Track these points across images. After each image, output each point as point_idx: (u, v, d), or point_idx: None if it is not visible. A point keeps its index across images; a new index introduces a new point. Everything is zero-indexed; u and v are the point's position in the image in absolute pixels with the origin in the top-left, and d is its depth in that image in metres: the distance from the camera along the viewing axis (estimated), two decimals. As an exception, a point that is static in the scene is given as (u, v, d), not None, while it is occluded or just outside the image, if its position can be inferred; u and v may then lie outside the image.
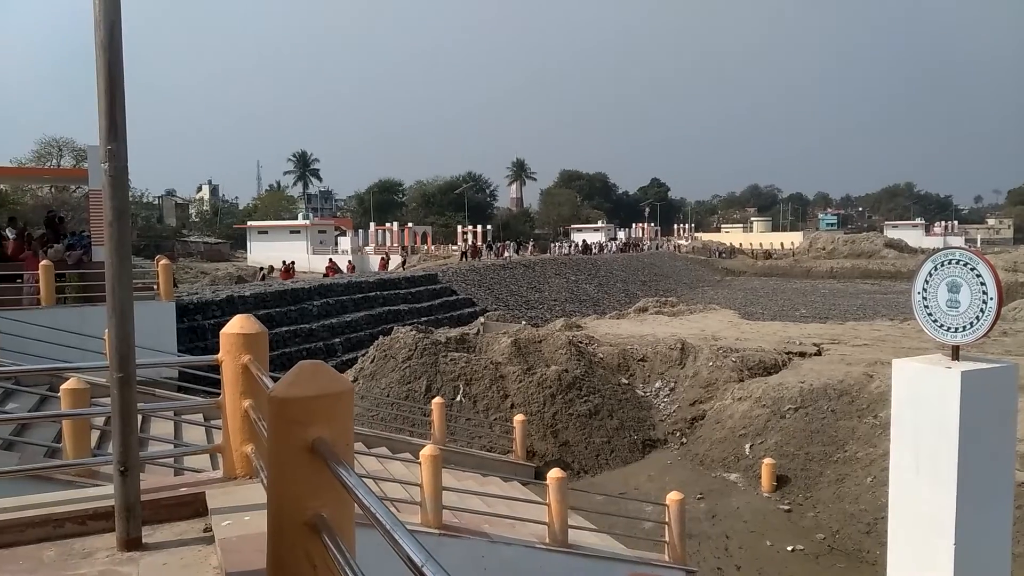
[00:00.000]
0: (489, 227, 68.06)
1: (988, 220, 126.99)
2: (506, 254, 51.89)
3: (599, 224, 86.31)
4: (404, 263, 50.02)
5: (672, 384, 16.99)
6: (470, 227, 63.74)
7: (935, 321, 4.91)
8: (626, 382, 16.89)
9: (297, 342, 22.47)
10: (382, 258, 51.02)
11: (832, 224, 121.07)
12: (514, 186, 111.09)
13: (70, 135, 55.17)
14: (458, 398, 15.14)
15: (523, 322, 24.51)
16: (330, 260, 43.51)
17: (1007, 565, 5.33)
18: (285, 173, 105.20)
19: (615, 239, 74.70)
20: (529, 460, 13.67)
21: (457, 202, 78.45)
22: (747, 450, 13.96)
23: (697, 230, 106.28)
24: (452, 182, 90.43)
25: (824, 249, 72.12)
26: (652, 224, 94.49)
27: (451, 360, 15.68)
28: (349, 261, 48.68)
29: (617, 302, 41.93)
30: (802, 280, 59.59)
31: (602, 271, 52.16)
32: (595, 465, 14.36)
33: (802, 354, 17.57)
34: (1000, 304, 4.48)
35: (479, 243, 55.94)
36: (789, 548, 11.13)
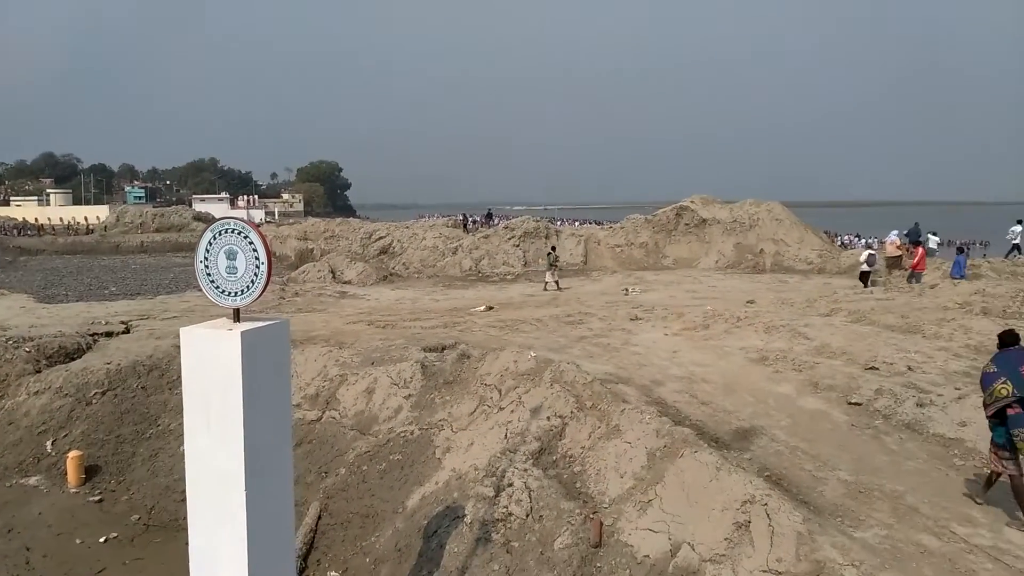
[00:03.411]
0: None
1: (283, 195, 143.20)
2: None
3: None
4: None
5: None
6: None
7: (218, 287, 5.30)
8: None
9: None
10: None
11: (140, 197, 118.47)
12: None
13: None
14: None
15: None
16: None
17: (291, 504, 6.14)
18: None
19: None
20: None
21: None
22: (49, 447, 12.65)
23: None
24: None
25: (133, 223, 69.63)
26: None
27: None
28: None
29: None
30: (112, 256, 56.38)
31: None
32: None
33: (109, 333, 16.74)
34: (270, 268, 5.14)
35: None
36: (102, 539, 10.63)
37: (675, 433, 8.80)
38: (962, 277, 22.26)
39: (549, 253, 27.59)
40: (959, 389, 10.40)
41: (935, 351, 12.93)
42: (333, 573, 9.05)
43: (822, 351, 13.44)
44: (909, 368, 11.89)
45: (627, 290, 24.83)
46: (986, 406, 7.33)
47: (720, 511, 7.23)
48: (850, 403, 10.71)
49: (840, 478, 8.25)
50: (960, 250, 26.01)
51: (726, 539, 6.96)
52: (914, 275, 23.49)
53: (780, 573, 6.31)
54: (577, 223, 68.22)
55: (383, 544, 9.01)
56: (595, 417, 9.85)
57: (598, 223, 55.92)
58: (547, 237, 36.00)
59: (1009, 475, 7.15)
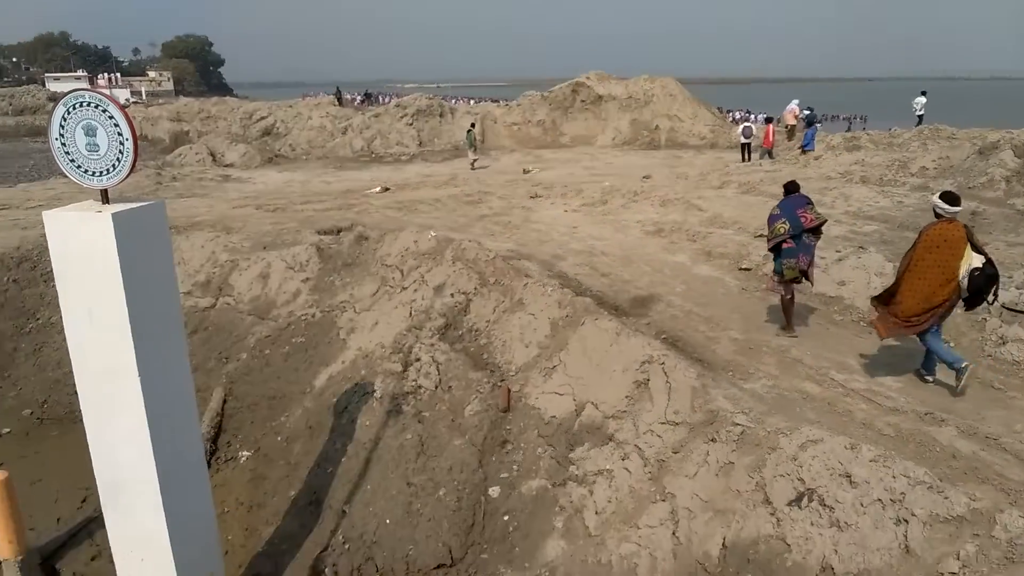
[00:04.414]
0: None
1: (149, 72, 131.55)
2: None
3: None
4: None
5: None
6: None
7: (79, 167, 4.83)
8: None
9: None
10: None
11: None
12: None
13: None
14: None
15: None
16: None
17: (190, 389, 5.96)
18: None
19: None
20: None
21: None
22: (-85, 348, 11.72)
23: None
24: None
25: (-21, 106, 62.54)
26: None
27: None
28: None
29: None
30: (-41, 142, 50.79)
31: None
32: None
33: (-33, 225, 15.30)
34: (136, 144, 4.70)
35: None
36: (-8, 436, 10.16)
37: (576, 303, 9.08)
38: (811, 148, 23.20)
39: (469, 131, 26.93)
40: (839, 252, 11.16)
41: (815, 218, 13.73)
42: (245, 453, 9.05)
43: (714, 221, 14.01)
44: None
45: (527, 169, 24.78)
46: (768, 240, 8.76)
47: (621, 372, 7.63)
48: (741, 269, 11.33)
49: (731, 337, 8.82)
50: (810, 123, 27.11)
51: (627, 397, 7.38)
52: (768, 151, 24.29)
53: (677, 424, 6.80)
54: (472, 101, 66.58)
55: (293, 423, 9.04)
56: (499, 292, 10.00)
57: (494, 101, 54.78)
58: (441, 116, 35.02)
59: (780, 295, 8.90)
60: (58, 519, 8.50)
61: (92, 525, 8.28)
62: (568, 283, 10.45)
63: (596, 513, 6.70)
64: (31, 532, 7.69)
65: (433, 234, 11.76)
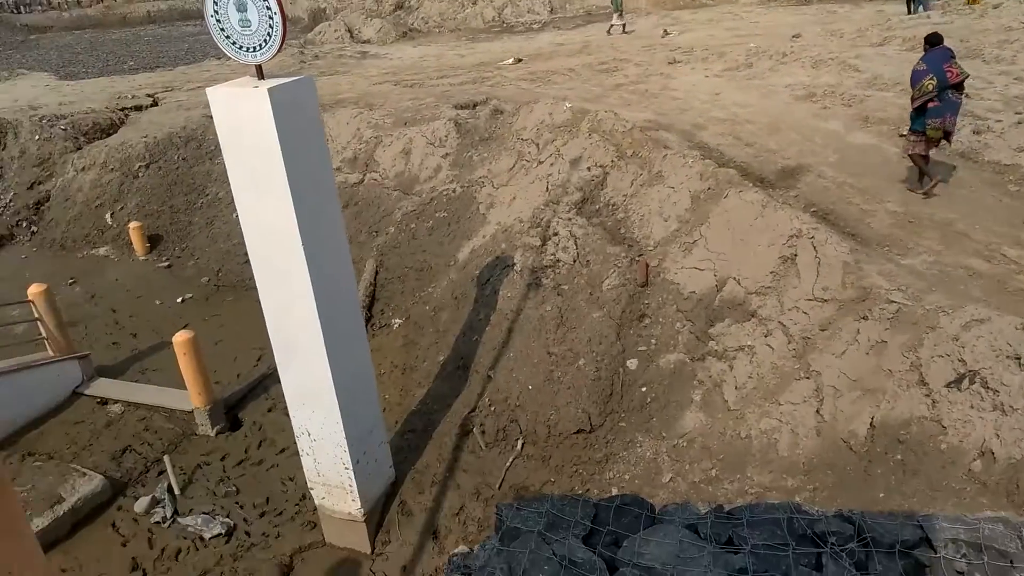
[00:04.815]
0: None
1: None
2: None
3: None
4: None
5: (-5, 171, 14.38)
6: None
7: (234, 43, 5.07)
8: (-70, 183, 13.61)
9: None
10: None
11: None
12: None
13: None
14: None
15: None
16: None
17: (348, 258, 6.39)
18: None
19: None
20: None
21: None
22: (109, 219, 13.18)
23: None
24: None
25: (135, -10, 65.73)
26: None
27: None
28: None
29: None
30: (121, 29, 54.04)
31: None
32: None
33: (138, 107, 16.58)
34: (284, 20, 4.85)
35: None
36: (179, 300, 11.44)
37: (719, 175, 8.75)
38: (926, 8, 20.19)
39: None
40: (1019, 113, 9.96)
41: (995, 75, 12.21)
42: (397, 320, 9.70)
43: (873, 83, 12.78)
44: (966, 95, 11.33)
45: (665, 31, 23.35)
46: (913, 100, 8.20)
47: (766, 247, 7.39)
48: (902, 136, 10.39)
49: (888, 209, 8.24)
50: None
51: (771, 272, 7.18)
52: None
53: (825, 300, 6.58)
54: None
55: (440, 293, 9.53)
56: (636, 164, 9.78)
57: (629, -42, 51.12)
58: (574, -23, 33.19)
59: (917, 153, 8.41)
60: (238, 375, 9.59)
61: (267, 381, 9.31)
62: (710, 154, 10.03)
63: (736, 388, 6.73)
64: (216, 386, 8.78)
65: (568, 105, 11.52)
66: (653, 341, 7.69)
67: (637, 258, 8.46)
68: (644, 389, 7.35)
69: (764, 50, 16.28)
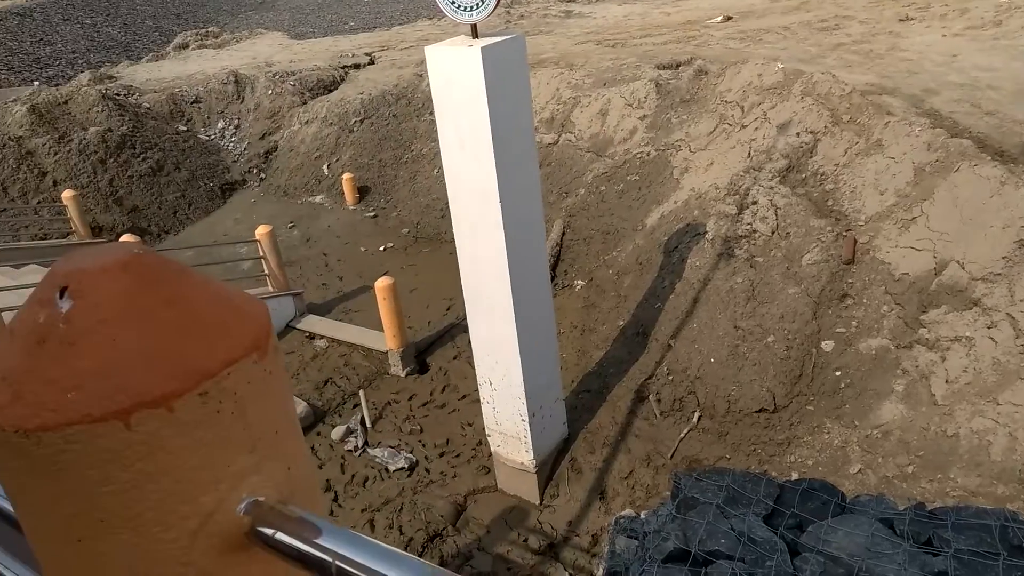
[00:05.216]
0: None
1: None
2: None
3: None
4: None
5: (236, 121, 16.13)
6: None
7: (452, 2, 5.25)
8: (185, 129, 15.55)
9: None
10: None
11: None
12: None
13: None
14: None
15: (36, 83, 20.26)
16: None
17: (540, 217, 6.52)
18: None
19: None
20: (97, 235, 12.33)
21: None
22: (326, 170, 14.35)
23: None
24: None
25: (360, -46, 70.12)
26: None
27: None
28: None
29: (151, 43, 36.57)
30: (345, -9, 58.12)
31: (123, 8, 44.35)
32: (175, 222, 13.58)
33: (356, 66, 17.77)
34: (500, -22, 4.95)
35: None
36: (381, 248, 12.28)
37: (950, 146, 7.82)
38: None
39: None
40: None
41: None
42: (580, 282, 9.77)
43: None
44: None
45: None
46: None
47: (1001, 228, 6.54)
48: None
49: None
50: None
51: (1004, 257, 6.36)
52: None
53: (1071, 294, 5.73)
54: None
55: (624, 258, 9.44)
56: (853, 132, 8.99)
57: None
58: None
59: None
60: (428, 322, 10.16)
61: (455, 330, 9.78)
62: (940, 122, 8.96)
63: (946, 382, 6.09)
64: (409, 330, 9.36)
65: (780, 66, 10.78)
66: (854, 323, 7.13)
67: (844, 233, 7.83)
68: (838, 374, 6.85)
69: (1019, 5, 14.18)
